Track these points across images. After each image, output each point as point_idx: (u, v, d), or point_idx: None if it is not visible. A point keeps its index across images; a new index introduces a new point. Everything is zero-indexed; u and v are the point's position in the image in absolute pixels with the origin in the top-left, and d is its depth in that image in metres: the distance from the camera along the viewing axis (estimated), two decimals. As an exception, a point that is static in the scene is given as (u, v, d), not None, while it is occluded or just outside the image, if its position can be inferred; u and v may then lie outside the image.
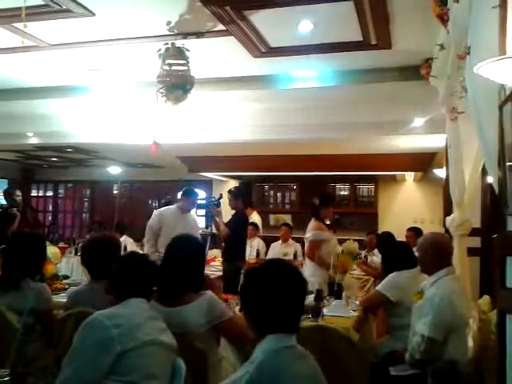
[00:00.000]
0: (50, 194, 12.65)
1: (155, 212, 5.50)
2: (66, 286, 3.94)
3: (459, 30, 2.55)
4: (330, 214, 4.41)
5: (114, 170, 10.57)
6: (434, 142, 6.35)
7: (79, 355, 1.79)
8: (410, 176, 9.48)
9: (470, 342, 2.53)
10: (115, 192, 11.91)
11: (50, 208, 12.74)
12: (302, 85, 5.03)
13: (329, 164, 8.45)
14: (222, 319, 2.39)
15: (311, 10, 3.58)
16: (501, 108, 1.88)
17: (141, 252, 5.18)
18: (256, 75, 5.02)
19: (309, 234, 4.28)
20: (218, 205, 6.02)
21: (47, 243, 7.08)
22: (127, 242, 7.43)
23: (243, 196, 5.76)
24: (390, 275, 3.32)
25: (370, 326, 3.52)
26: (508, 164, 1.79)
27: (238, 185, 6.52)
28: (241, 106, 5.99)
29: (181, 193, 5.56)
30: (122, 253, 3.05)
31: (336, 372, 2.05)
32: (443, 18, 2.98)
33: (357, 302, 3.49)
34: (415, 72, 4.43)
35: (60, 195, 12.75)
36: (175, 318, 2.26)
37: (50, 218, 12.63)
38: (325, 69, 4.87)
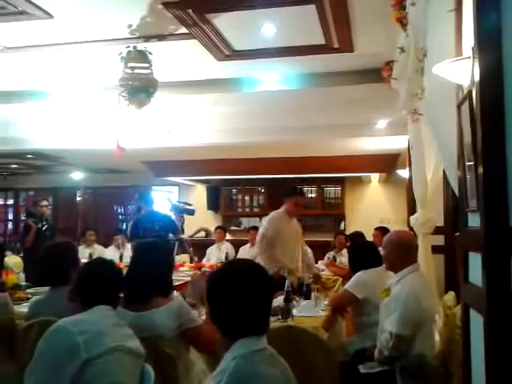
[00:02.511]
0: (10, 202, 12.25)
1: (269, 219, 4.56)
2: (29, 296, 3.82)
3: (417, 33, 2.62)
4: None
5: (77, 175, 10.33)
6: (397, 143, 6.50)
7: (43, 363, 1.73)
8: (375, 177, 9.66)
9: (437, 337, 2.58)
10: (78, 198, 11.63)
11: (10, 217, 12.34)
12: (267, 88, 5.05)
13: (296, 166, 8.52)
14: (192, 325, 2.38)
15: (274, 14, 3.59)
16: (459, 107, 1.93)
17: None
18: (220, 78, 5.01)
19: None
20: (193, 213, 5.96)
21: (9, 252, 6.94)
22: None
23: None
24: (357, 274, 3.37)
25: (339, 325, 3.56)
26: (467, 164, 1.84)
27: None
28: (206, 109, 5.96)
29: (287, 194, 4.75)
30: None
31: (306, 372, 2.06)
32: (402, 22, 3.05)
33: (325, 302, 3.52)
34: (377, 75, 4.51)
35: (21, 203, 12.37)
36: (144, 321, 2.24)
37: (10, 226, 12.22)
38: (289, 72, 4.90)
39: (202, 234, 9.18)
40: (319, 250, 7.09)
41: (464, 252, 1.91)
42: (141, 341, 1.97)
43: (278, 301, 3.11)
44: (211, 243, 7.57)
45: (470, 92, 1.74)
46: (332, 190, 9.96)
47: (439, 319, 2.65)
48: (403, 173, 7.03)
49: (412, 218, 4.03)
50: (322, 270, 5.95)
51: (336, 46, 4.17)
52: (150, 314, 2.29)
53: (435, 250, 3.97)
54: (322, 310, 3.32)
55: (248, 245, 7.23)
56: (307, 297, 3.63)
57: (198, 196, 10.36)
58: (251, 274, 1.49)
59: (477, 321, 1.70)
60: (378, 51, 4.23)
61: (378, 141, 6.83)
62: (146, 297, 2.33)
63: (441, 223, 4.39)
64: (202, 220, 8.98)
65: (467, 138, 1.80)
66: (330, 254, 6.51)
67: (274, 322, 2.76)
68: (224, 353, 1.46)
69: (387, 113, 5.65)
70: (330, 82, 4.89)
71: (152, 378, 1.89)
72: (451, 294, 3.09)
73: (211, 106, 5.84)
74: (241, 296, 1.45)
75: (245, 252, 7.09)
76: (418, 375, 2.52)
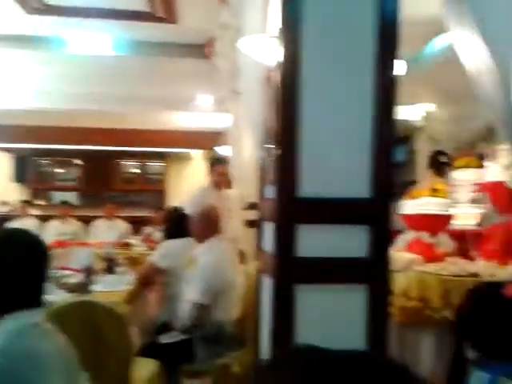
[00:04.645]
0: None
1: (195, 198, 3.90)
2: None
3: (236, 11, 2.68)
4: None
5: None
6: (220, 120, 6.68)
7: None
8: (198, 154, 9.79)
9: (236, 304, 2.73)
10: None
11: None
12: (85, 51, 4.70)
13: (115, 138, 8.13)
14: None
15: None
16: (265, 88, 2.03)
17: None
18: (29, 35, 4.47)
19: None
20: None
21: None
22: None
23: None
24: (163, 244, 3.32)
25: (144, 298, 3.49)
26: (268, 140, 1.95)
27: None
28: (13, 67, 5.27)
29: (210, 163, 4.27)
30: None
31: (99, 347, 1.98)
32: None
33: (132, 276, 3.42)
34: (201, 50, 4.55)
35: None
36: None
37: None
38: (111, 36, 4.62)
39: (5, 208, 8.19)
40: (140, 225, 6.97)
41: (260, 222, 2.03)
42: None
43: (77, 276, 2.94)
44: (14, 218, 6.83)
45: (274, 73, 1.83)
46: (155, 166, 9.83)
47: (241, 288, 2.80)
48: (224, 150, 7.25)
49: (228, 193, 4.19)
50: (139, 246, 5.84)
51: (160, 14, 4.07)
52: None
53: (250, 224, 4.19)
54: (128, 284, 3.22)
55: (57, 220, 6.71)
56: (112, 271, 3.52)
57: (1, 166, 9.19)
58: (18, 243, 1.35)
59: (267, 284, 1.83)
60: (202, 26, 4.25)
61: (201, 117, 6.94)
62: None
63: (255, 199, 4.65)
64: (5, 193, 8.03)
65: (270, 117, 1.90)
66: (148, 229, 6.43)
67: (70, 299, 2.57)
68: None
69: (211, 90, 5.75)
70: (154, 52, 4.77)
71: None
72: (254, 263, 3.29)
73: (19, 65, 5.18)
74: (5, 265, 1.30)
75: (53, 227, 6.56)
76: (216, 342, 2.62)
